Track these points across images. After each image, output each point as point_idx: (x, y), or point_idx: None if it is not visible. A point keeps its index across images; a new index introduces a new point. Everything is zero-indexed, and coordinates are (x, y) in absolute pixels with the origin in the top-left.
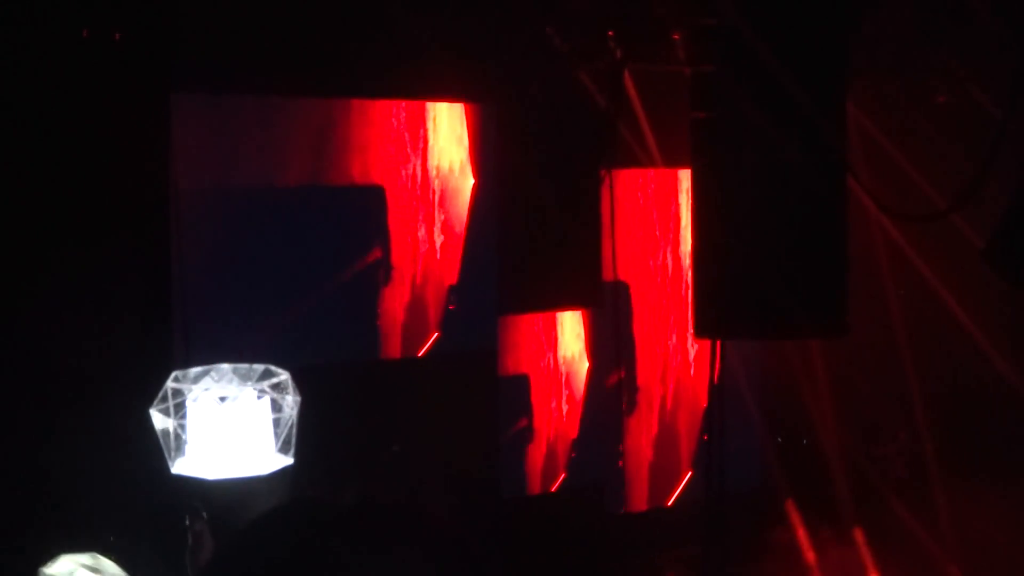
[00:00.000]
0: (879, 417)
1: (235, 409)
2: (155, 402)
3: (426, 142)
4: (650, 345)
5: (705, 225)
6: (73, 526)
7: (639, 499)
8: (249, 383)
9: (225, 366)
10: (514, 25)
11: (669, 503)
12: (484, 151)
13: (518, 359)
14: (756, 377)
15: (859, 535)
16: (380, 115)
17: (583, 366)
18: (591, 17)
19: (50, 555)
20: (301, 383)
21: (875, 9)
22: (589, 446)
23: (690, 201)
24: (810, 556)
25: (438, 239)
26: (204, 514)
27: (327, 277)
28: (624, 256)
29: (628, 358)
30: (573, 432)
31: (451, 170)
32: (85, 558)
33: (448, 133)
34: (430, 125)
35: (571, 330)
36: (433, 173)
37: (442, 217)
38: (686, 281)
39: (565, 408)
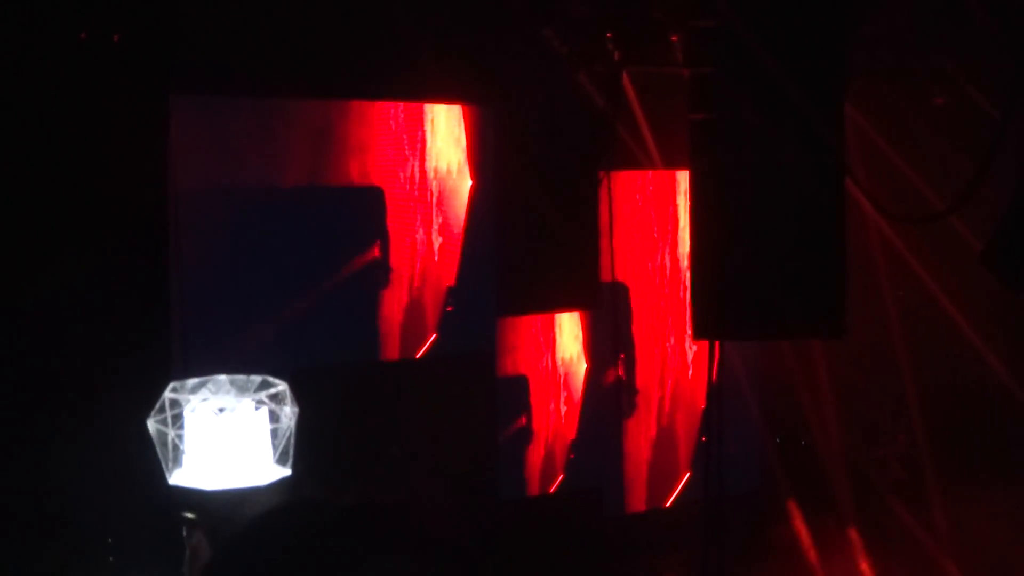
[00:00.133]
0: (878, 419)
1: (233, 420)
2: (152, 413)
3: (424, 144)
4: (648, 346)
5: (703, 226)
6: (71, 536)
7: (638, 500)
8: (247, 394)
9: (222, 377)
10: (512, 27)
11: (667, 504)
12: (482, 153)
13: (516, 360)
14: (755, 378)
15: (857, 536)
16: (378, 117)
17: (581, 367)
18: (589, 19)
19: (49, 564)
20: (299, 384)
21: (873, 11)
22: (587, 447)
23: (688, 202)
24: (809, 557)
25: (436, 240)
26: (202, 525)
27: (325, 278)
28: (622, 257)
29: (627, 359)
30: (571, 433)
31: (449, 172)
32: None
33: (446, 135)
34: (428, 127)
35: (569, 331)
36: (431, 175)
37: (440, 219)
38: (684, 282)
39: (563, 409)
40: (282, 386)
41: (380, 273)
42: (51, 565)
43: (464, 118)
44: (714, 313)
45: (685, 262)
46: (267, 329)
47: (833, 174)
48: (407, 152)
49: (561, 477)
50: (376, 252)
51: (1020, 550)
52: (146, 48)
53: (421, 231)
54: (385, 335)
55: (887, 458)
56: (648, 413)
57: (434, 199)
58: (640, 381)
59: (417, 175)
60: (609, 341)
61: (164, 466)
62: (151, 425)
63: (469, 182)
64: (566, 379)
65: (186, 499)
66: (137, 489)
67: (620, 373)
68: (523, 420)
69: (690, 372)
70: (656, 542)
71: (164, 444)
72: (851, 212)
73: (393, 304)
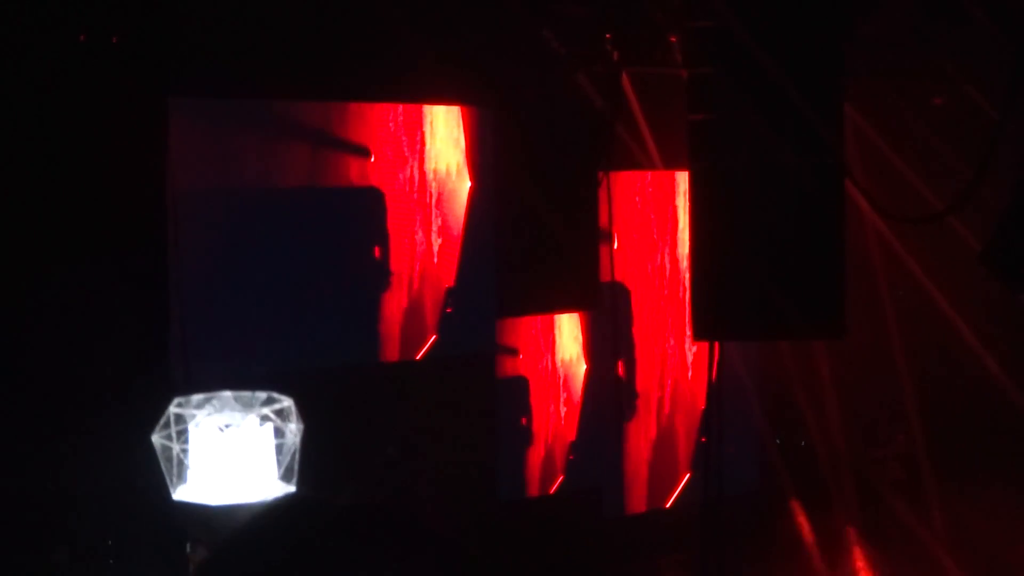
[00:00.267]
0: (877, 419)
1: (237, 436)
2: (157, 428)
3: (423, 145)
4: (648, 347)
5: (703, 227)
6: (74, 548)
7: (638, 501)
8: (252, 410)
9: (227, 393)
10: (511, 28)
11: (668, 505)
12: (481, 154)
13: (516, 361)
14: (755, 378)
15: (857, 536)
16: (377, 118)
17: (581, 368)
18: (588, 20)
19: None
20: (299, 385)
21: (872, 11)
22: (587, 448)
23: (688, 203)
24: (809, 557)
25: (435, 242)
26: (205, 541)
27: (324, 280)
28: (622, 258)
29: (626, 360)
30: (571, 434)
31: (448, 173)
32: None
33: (445, 136)
34: (427, 128)
35: (569, 332)
36: (430, 176)
37: (439, 220)
38: (684, 283)
39: (563, 410)
40: (287, 402)
41: (379, 275)
42: None
43: (463, 119)
44: (714, 313)
45: (685, 263)
46: (266, 330)
47: (832, 174)
48: (406, 153)
49: (561, 478)
50: (375, 254)
51: (1019, 550)
52: (145, 50)
53: (420, 232)
54: (385, 336)
55: (886, 458)
56: (648, 414)
57: (433, 200)
58: (640, 382)
59: (416, 176)
60: (609, 342)
61: (168, 481)
62: (156, 440)
63: (468, 183)
64: (566, 380)
65: (190, 514)
66: (140, 507)
67: (620, 375)
68: (523, 421)
69: (690, 373)
70: (656, 542)
71: (169, 459)
72: (850, 212)
73: (392, 305)
